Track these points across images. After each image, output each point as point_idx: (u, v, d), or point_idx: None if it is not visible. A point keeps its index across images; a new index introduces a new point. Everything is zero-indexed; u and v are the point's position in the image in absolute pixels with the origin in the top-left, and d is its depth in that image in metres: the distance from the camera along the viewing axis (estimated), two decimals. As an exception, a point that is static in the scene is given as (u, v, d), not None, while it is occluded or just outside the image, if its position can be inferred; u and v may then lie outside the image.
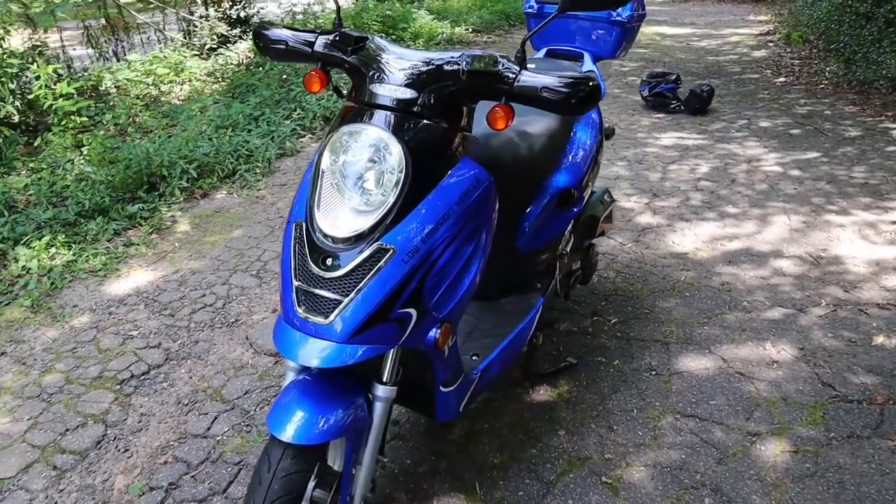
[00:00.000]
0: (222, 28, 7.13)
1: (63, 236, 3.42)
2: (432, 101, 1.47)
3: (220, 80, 6.17)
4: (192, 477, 2.10)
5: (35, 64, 4.43)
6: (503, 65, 1.47)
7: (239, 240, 3.56)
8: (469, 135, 1.57)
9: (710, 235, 3.44)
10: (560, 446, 2.15)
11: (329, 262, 1.43)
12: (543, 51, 2.59)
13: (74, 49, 7.05)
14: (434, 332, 1.51)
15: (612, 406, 2.31)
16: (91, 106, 5.07)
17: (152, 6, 7.36)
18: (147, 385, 2.51)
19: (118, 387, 2.49)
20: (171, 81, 6.02)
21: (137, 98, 5.57)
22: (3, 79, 4.40)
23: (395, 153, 1.41)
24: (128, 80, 5.87)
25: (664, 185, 4.05)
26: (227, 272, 3.24)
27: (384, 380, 1.56)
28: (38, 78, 4.45)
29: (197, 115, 5.09)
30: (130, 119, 5.15)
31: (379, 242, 1.40)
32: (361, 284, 1.39)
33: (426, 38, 8.58)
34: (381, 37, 1.60)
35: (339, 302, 1.40)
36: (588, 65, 2.48)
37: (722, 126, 5.10)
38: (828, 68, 6.57)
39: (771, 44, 8.51)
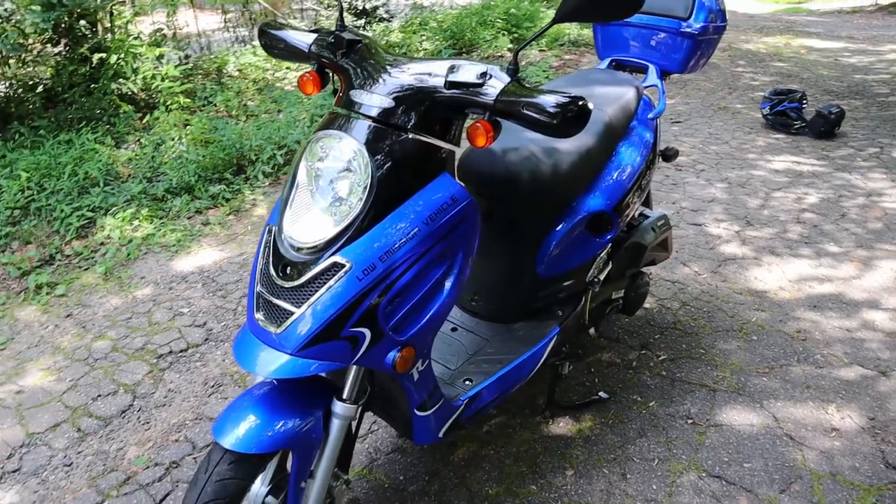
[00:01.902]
0: (348, 18, 7.33)
1: (147, 210, 3.62)
2: (413, 112, 1.38)
3: (333, 69, 6.32)
4: (194, 458, 2.14)
5: (143, 47, 4.73)
6: (489, 77, 1.35)
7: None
8: (453, 149, 1.46)
9: (798, 275, 3.08)
10: (563, 487, 1.99)
11: (288, 270, 1.39)
12: (607, 61, 2.41)
13: (213, 33, 7.51)
14: (393, 356, 1.43)
15: (633, 452, 2.11)
16: (206, 87, 5.37)
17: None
18: (182, 362, 2.59)
19: (155, 360, 2.60)
20: (287, 67, 6.25)
21: (253, 82, 5.83)
22: (127, 59, 4.74)
23: (364, 165, 1.34)
24: (249, 64, 6.16)
25: (762, 213, 3.69)
26: (285, 260, 3.30)
27: (344, 397, 1.50)
28: (158, 59, 4.77)
29: (303, 101, 5.25)
30: (241, 102, 5.39)
31: (336, 256, 1.34)
32: (313, 298, 1.34)
33: (551, 38, 8.39)
34: (376, 42, 1.52)
35: (292, 313, 1.36)
36: (651, 78, 2.28)
37: (847, 153, 4.58)
38: None
39: (937, 64, 7.56)
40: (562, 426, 2.23)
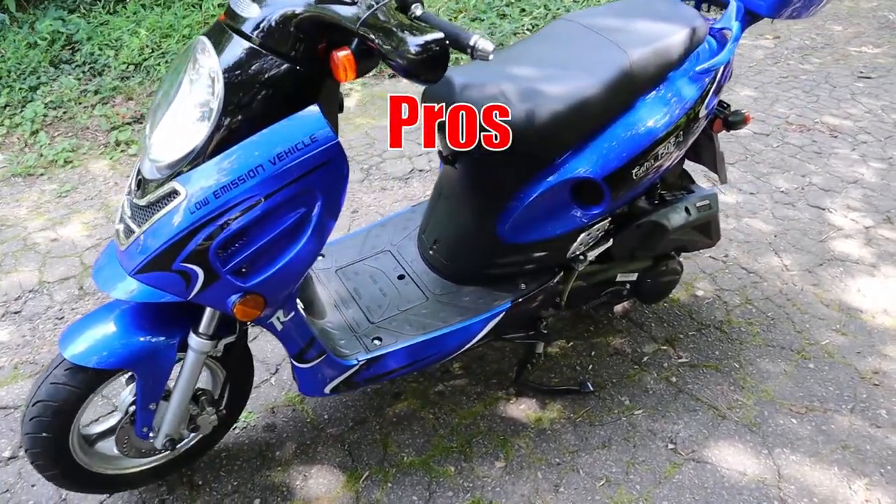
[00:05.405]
0: None
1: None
2: (284, 30, 1.17)
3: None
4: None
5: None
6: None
7: (382, 129, 3.46)
8: (330, 80, 1.22)
9: (918, 300, 2.43)
10: (483, 478, 1.77)
11: (140, 185, 1.28)
12: (682, -13, 1.91)
13: None
14: (234, 300, 1.27)
15: (583, 463, 1.81)
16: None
17: None
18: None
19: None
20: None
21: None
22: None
23: (217, 88, 1.17)
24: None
25: (915, 210, 2.93)
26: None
27: (200, 330, 1.39)
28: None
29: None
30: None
31: (175, 182, 1.20)
32: (150, 222, 1.24)
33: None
34: None
35: (133, 232, 1.26)
36: (727, 19, 1.77)
37: None
38: None
39: None
40: (521, 409, 1.97)
